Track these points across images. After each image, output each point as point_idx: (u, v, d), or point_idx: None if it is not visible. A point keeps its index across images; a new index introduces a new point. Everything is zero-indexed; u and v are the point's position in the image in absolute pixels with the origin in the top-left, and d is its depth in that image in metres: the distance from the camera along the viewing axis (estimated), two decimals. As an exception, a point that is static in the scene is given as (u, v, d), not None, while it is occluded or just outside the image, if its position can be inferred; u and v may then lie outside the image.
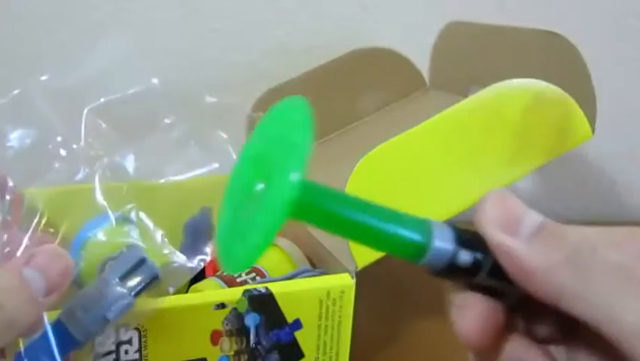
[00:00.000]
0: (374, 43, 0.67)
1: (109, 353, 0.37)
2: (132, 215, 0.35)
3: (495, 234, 0.21)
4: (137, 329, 0.37)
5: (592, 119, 0.47)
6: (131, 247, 0.30)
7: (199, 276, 0.52)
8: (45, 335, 0.27)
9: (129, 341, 0.37)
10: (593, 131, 0.47)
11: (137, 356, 0.38)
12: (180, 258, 0.32)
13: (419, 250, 0.22)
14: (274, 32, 0.74)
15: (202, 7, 0.72)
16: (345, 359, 0.44)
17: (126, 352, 0.37)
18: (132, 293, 0.28)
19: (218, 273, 0.48)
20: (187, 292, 0.50)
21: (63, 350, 0.27)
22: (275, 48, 0.74)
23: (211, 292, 0.43)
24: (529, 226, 0.21)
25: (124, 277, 0.28)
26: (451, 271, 0.22)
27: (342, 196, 0.22)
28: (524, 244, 0.21)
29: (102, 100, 0.36)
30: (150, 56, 0.72)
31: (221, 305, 0.39)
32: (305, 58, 0.72)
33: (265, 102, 0.62)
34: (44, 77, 0.35)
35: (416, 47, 0.70)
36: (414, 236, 0.22)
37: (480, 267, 0.22)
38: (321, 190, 0.22)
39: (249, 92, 0.71)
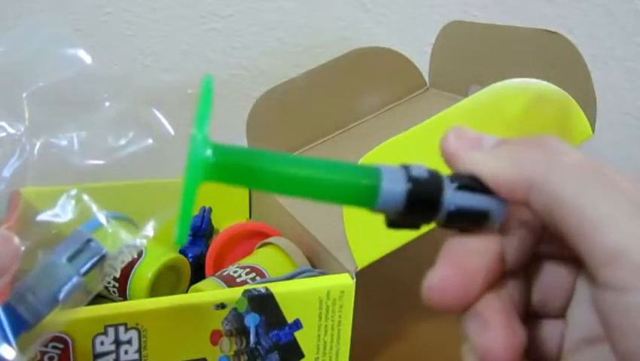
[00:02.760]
0: (374, 43, 0.67)
1: (109, 353, 0.37)
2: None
3: (463, 154, 0.23)
4: (137, 329, 0.37)
5: (592, 119, 0.47)
6: (76, 230, 0.31)
7: (199, 276, 0.52)
8: None
9: (129, 341, 0.37)
10: (593, 131, 0.47)
11: (137, 356, 0.37)
12: (126, 237, 0.33)
13: (369, 192, 0.22)
14: (274, 32, 0.74)
15: (202, 8, 0.72)
16: (345, 359, 0.44)
17: (126, 352, 0.37)
18: (81, 273, 0.29)
19: (218, 273, 0.48)
20: (187, 292, 0.50)
21: (14, 332, 0.27)
22: (275, 48, 0.74)
23: (211, 292, 0.43)
24: (492, 141, 0.23)
25: (72, 257, 0.29)
26: (415, 207, 0.22)
27: (264, 152, 0.22)
28: (492, 151, 0.23)
29: (41, 84, 0.36)
30: (150, 55, 0.72)
31: (221, 305, 0.39)
32: (305, 58, 0.72)
33: (265, 102, 0.62)
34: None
35: (416, 47, 0.70)
36: (360, 178, 0.22)
37: (442, 183, 0.22)
38: (236, 149, 0.22)
39: (249, 92, 0.71)
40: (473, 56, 0.62)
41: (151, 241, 0.35)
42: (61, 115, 0.36)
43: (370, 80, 0.67)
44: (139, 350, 0.37)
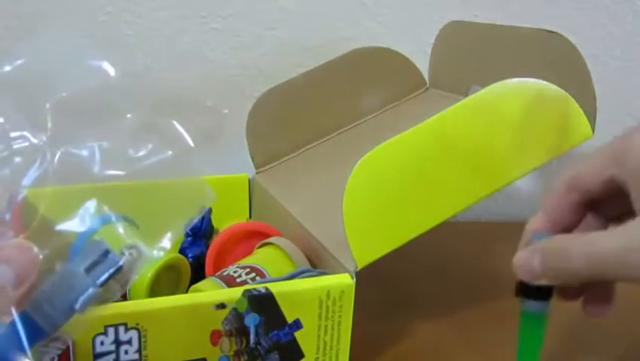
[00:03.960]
0: (374, 43, 0.67)
1: (109, 353, 0.37)
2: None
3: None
4: (137, 329, 0.37)
5: (592, 118, 0.47)
6: (95, 240, 0.31)
7: (199, 276, 0.52)
8: (12, 327, 0.27)
9: (129, 341, 0.37)
10: (593, 131, 0.47)
11: (137, 356, 0.38)
12: (142, 247, 0.33)
13: None
14: (274, 32, 0.74)
15: (202, 8, 0.72)
16: (345, 359, 0.44)
17: (126, 352, 0.37)
18: (98, 284, 0.29)
19: (218, 273, 0.48)
20: (187, 292, 0.50)
21: (30, 342, 0.27)
22: (275, 48, 0.74)
23: (211, 292, 0.43)
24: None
25: (90, 268, 0.29)
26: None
27: None
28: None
29: (64, 94, 0.36)
30: (150, 56, 0.72)
31: (221, 305, 0.39)
32: (305, 58, 0.72)
33: (265, 102, 0.62)
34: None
35: (416, 47, 0.70)
36: None
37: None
38: None
39: (249, 92, 0.71)
40: (473, 56, 0.62)
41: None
42: (82, 125, 0.37)
43: (370, 80, 0.67)
44: (139, 350, 0.37)
